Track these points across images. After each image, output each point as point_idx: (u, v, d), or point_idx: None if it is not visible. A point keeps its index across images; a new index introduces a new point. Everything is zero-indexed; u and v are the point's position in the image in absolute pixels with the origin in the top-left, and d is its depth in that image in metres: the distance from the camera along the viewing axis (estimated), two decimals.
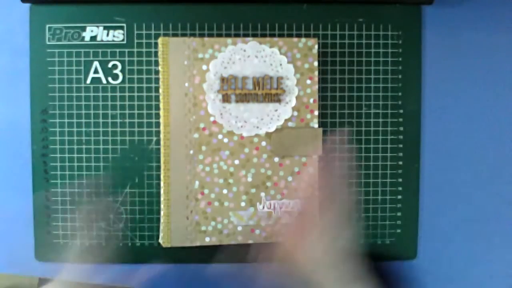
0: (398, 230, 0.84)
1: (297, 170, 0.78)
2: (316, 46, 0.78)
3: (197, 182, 0.77)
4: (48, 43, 0.81)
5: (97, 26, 0.81)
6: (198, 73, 0.76)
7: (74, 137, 0.82)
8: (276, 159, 0.78)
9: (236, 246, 0.80)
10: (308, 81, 0.78)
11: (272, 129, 0.78)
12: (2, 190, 0.83)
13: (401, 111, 0.83)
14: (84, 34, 0.81)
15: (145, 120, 0.82)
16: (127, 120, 0.82)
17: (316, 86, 0.78)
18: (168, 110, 0.76)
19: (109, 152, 0.82)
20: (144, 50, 0.82)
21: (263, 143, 0.78)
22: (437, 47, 0.83)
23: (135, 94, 0.82)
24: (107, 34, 0.81)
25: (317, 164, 0.79)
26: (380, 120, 0.83)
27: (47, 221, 0.82)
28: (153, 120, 0.81)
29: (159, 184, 0.81)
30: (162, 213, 0.78)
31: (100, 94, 0.82)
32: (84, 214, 0.80)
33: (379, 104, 0.83)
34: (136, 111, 0.82)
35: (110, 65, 0.82)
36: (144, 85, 0.82)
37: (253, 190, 0.78)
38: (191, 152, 0.77)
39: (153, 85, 0.81)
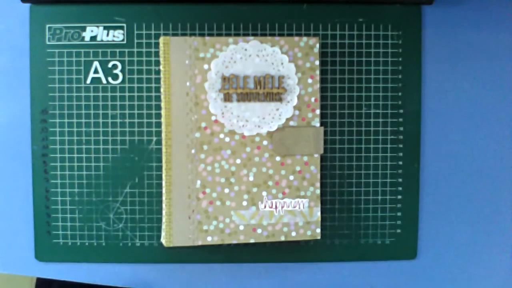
0: (398, 230, 0.84)
1: (299, 169, 0.78)
2: (318, 45, 0.78)
3: (198, 182, 0.77)
4: (48, 43, 0.81)
5: (97, 26, 0.81)
6: (200, 73, 0.76)
7: (74, 137, 0.81)
8: (278, 158, 0.78)
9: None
10: (310, 80, 0.78)
11: (273, 128, 0.77)
12: (2, 190, 0.83)
13: (401, 111, 0.83)
14: (84, 34, 0.81)
15: (145, 120, 0.82)
16: (127, 120, 0.82)
17: (318, 85, 0.78)
18: (170, 109, 0.76)
19: (109, 152, 0.82)
20: (144, 50, 0.82)
21: (265, 142, 0.78)
22: (437, 47, 0.84)
23: (135, 94, 0.81)
24: (107, 34, 0.81)
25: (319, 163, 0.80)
26: (380, 120, 0.83)
27: (47, 221, 0.82)
28: (153, 120, 0.81)
29: (159, 184, 0.81)
30: (163, 212, 0.77)
31: (100, 94, 0.81)
32: None
33: (379, 104, 0.83)
34: (136, 111, 0.82)
35: (110, 65, 0.81)
36: (144, 85, 0.81)
37: (255, 189, 0.78)
38: (193, 151, 0.77)
39: (153, 85, 0.81)
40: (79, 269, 0.82)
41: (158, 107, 0.81)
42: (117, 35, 0.81)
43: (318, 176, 0.80)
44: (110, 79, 0.81)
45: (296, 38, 0.78)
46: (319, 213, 0.80)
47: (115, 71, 0.81)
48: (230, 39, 0.76)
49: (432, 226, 0.85)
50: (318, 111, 0.78)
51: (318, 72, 0.78)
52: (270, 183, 0.78)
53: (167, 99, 0.76)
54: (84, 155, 0.82)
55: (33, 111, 0.81)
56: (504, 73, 0.84)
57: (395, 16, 0.83)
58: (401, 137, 0.83)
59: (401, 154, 0.84)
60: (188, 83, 0.76)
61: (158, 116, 0.81)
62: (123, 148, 0.82)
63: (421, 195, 0.85)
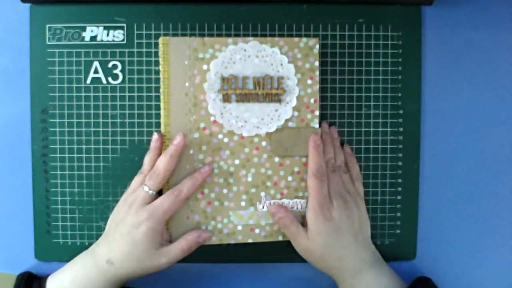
0: (398, 231, 0.84)
1: (297, 170, 0.78)
2: (317, 46, 0.78)
3: None
4: (48, 43, 0.81)
5: (97, 26, 0.81)
6: (199, 73, 0.76)
7: (74, 137, 0.82)
8: (276, 159, 0.78)
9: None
10: (309, 81, 0.78)
11: (272, 129, 0.77)
12: (2, 190, 0.83)
13: (401, 111, 0.83)
14: (84, 34, 0.81)
15: (145, 120, 0.82)
16: (127, 120, 0.82)
17: (317, 86, 0.78)
18: (169, 110, 0.76)
19: (109, 152, 0.82)
20: (144, 50, 0.82)
21: (263, 143, 0.78)
22: (437, 47, 0.84)
23: (135, 94, 0.82)
24: (107, 34, 0.81)
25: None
26: (380, 120, 0.83)
27: (47, 221, 0.82)
28: (153, 120, 0.82)
29: None
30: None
31: (100, 94, 0.82)
32: None
33: (379, 104, 0.83)
34: (136, 111, 0.82)
35: (110, 65, 0.82)
36: (144, 85, 0.82)
37: (253, 190, 0.78)
38: (191, 151, 0.77)
39: (153, 85, 0.82)
40: None
41: (158, 107, 0.81)
42: (117, 35, 0.82)
43: None
44: (110, 79, 0.82)
45: (296, 39, 0.77)
46: None
47: (115, 71, 0.82)
48: (230, 40, 0.76)
49: (432, 227, 0.85)
50: (317, 112, 0.78)
51: (317, 73, 0.78)
52: (268, 183, 0.78)
53: (166, 100, 0.76)
54: (84, 155, 0.82)
55: (33, 111, 0.82)
56: (504, 73, 0.84)
57: (395, 17, 0.83)
58: (401, 137, 0.83)
59: (400, 154, 0.84)
60: (187, 84, 0.76)
61: (158, 116, 0.81)
62: (123, 148, 0.82)
63: (421, 195, 0.85)
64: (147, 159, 0.77)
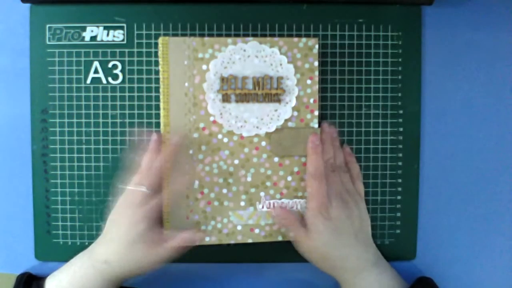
0: (398, 231, 0.84)
1: (297, 170, 0.78)
2: (317, 46, 0.78)
3: (196, 182, 0.77)
4: (48, 43, 0.81)
5: (97, 26, 0.81)
6: (198, 73, 0.76)
7: (74, 137, 0.82)
8: (276, 159, 0.78)
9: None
10: (309, 81, 0.78)
11: (272, 129, 0.77)
12: (2, 190, 0.83)
13: (401, 111, 0.83)
14: (84, 34, 0.81)
15: (145, 120, 0.82)
16: (127, 120, 0.82)
17: (317, 86, 0.78)
18: (168, 110, 0.76)
19: (109, 152, 0.82)
20: (144, 50, 0.82)
21: (263, 143, 0.78)
22: (437, 47, 0.83)
23: (135, 94, 0.82)
24: (107, 34, 0.82)
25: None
26: (380, 120, 0.83)
27: (47, 221, 0.82)
28: (153, 120, 0.82)
29: None
30: (162, 212, 0.78)
31: (100, 94, 0.82)
32: None
33: (379, 104, 0.83)
34: (136, 111, 0.82)
35: (110, 65, 0.82)
36: (144, 85, 0.82)
37: (253, 190, 0.78)
38: (191, 152, 0.77)
39: (153, 85, 0.82)
40: None
41: (158, 107, 0.81)
42: (117, 35, 0.82)
43: None
44: (110, 79, 0.82)
45: (295, 39, 0.77)
46: None
47: (115, 71, 0.82)
48: (229, 40, 0.76)
49: (432, 227, 0.85)
50: (316, 112, 0.78)
51: (317, 73, 0.78)
52: (268, 183, 0.78)
53: (165, 100, 0.76)
54: (84, 155, 0.82)
55: (33, 111, 0.82)
56: (504, 73, 0.84)
57: (395, 17, 0.82)
58: (401, 137, 0.83)
59: (400, 154, 0.84)
60: (186, 84, 0.76)
61: (158, 116, 0.81)
62: (123, 148, 0.82)
63: (421, 195, 0.84)
64: (145, 159, 0.77)
